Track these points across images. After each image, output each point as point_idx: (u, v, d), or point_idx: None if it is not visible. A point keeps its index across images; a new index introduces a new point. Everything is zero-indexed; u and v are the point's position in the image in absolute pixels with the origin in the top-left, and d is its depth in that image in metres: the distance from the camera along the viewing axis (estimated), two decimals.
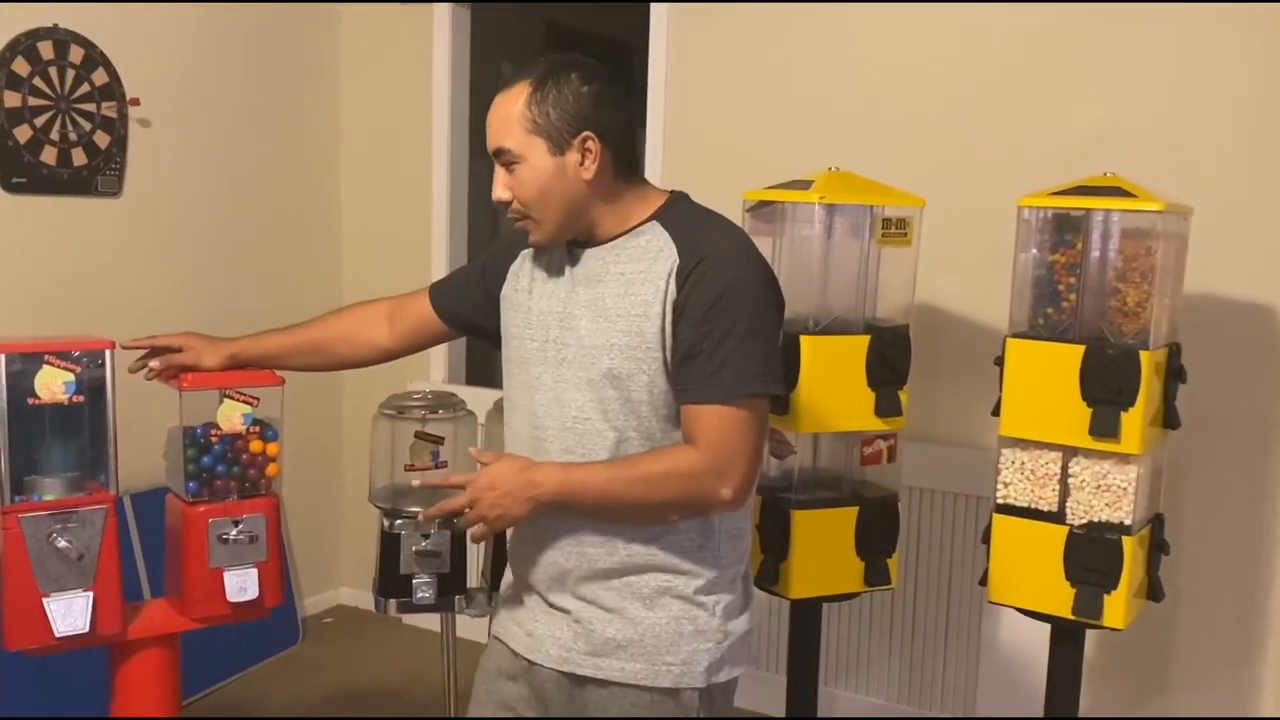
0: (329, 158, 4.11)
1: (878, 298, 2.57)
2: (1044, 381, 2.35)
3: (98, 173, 3.32)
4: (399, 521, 2.39)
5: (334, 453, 4.10)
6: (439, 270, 3.93)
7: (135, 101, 3.36)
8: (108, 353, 1.95)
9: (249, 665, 3.66)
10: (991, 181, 3.02)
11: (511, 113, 1.70)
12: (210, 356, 2.05)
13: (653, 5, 3.56)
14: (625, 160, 1.75)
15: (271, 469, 2.11)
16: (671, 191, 1.81)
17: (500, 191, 1.73)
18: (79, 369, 1.91)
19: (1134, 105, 2.92)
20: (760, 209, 2.60)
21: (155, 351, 2.06)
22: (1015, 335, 2.41)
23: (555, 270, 1.82)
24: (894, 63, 3.21)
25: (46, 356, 1.88)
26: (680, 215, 1.76)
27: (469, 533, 1.76)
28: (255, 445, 2.09)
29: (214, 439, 2.05)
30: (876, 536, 2.54)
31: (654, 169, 3.59)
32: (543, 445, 1.77)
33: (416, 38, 3.98)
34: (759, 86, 3.41)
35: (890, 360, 2.50)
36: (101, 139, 3.32)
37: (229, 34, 3.69)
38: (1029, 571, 2.40)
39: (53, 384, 1.89)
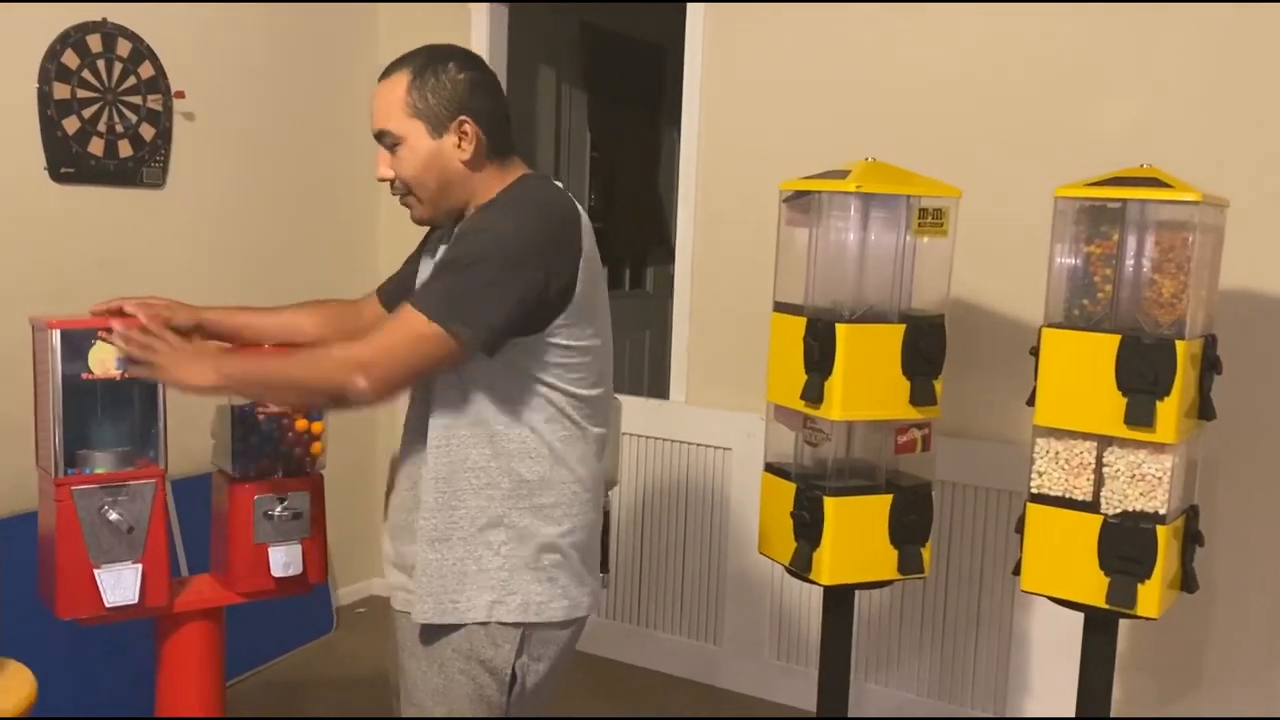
0: (367, 153, 4.15)
1: (913, 288, 2.58)
2: (1079, 371, 2.35)
3: (143, 164, 3.38)
4: None
5: (368, 438, 4.15)
6: None
7: (180, 94, 3.42)
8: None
9: (283, 652, 3.70)
10: (1026, 174, 3.03)
11: (393, 97, 1.82)
12: (182, 313, 2.05)
13: (689, 5, 3.60)
14: (497, 143, 1.85)
15: (316, 448, 2.15)
16: (526, 171, 1.90)
17: (383, 170, 1.86)
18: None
19: (1169, 99, 2.93)
20: (796, 199, 2.62)
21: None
22: (1051, 325, 2.42)
23: (433, 246, 1.96)
24: (928, 56, 3.23)
25: (99, 332, 1.92)
26: (509, 189, 1.84)
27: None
28: (300, 424, 2.13)
29: (260, 418, 2.10)
30: (910, 524, 2.55)
31: (688, 165, 3.63)
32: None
33: (454, 36, 4.02)
34: (793, 83, 3.44)
35: (925, 350, 2.51)
36: (147, 131, 3.38)
37: (270, 30, 3.75)
38: (1063, 561, 2.40)
39: (105, 359, 1.93)
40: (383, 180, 1.86)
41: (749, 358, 3.35)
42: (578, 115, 5.09)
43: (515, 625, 1.79)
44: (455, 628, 1.79)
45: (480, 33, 4.00)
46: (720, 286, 3.62)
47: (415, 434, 1.84)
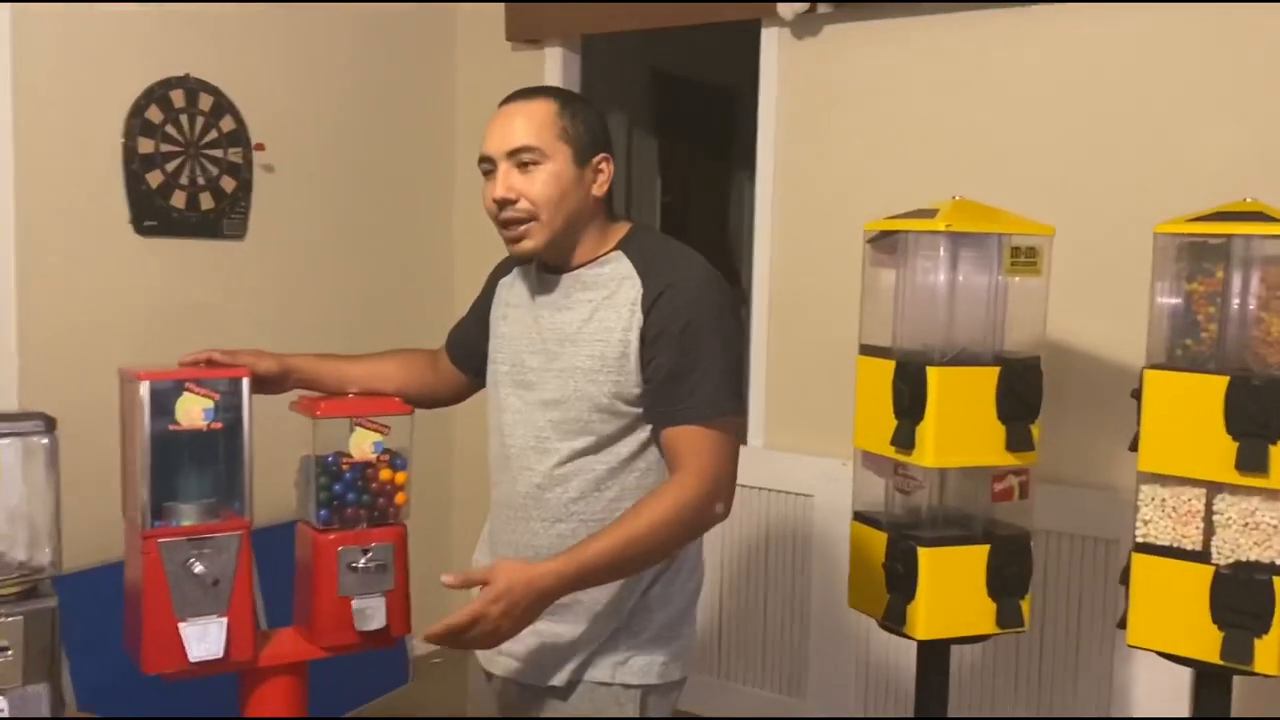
0: (444, 203, 4.18)
1: (1006, 329, 2.51)
2: (1186, 414, 2.26)
3: (224, 216, 3.42)
4: None
5: (444, 486, 4.13)
6: None
7: (260, 147, 3.46)
8: (244, 381, 1.97)
9: (361, 703, 3.67)
10: (1119, 210, 2.95)
11: (543, 117, 1.78)
12: (266, 361, 2.04)
13: (764, 30, 3.56)
14: (611, 194, 1.87)
15: (400, 498, 2.12)
16: (632, 222, 1.90)
17: (502, 190, 1.78)
18: (218, 395, 1.94)
19: (1270, 130, 2.83)
20: (881, 239, 2.56)
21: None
22: (1154, 367, 2.33)
23: (524, 297, 1.92)
24: (1012, 90, 3.16)
25: (187, 384, 1.91)
26: (641, 245, 1.84)
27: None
28: (385, 474, 2.09)
29: (345, 467, 2.07)
30: (1009, 576, 2.46)
31: (763, 203, 3.58)
32: (509, 464, 1.89)
33: (529, 80, 4.02)
34: (870, 119, 3.39)
35: (1021, 392, 2.43)
36: (228, 183, 3.42)
37: (347, 80, 3.79)
38: (1172, 614, 2.29)
39: (192, 410, 1.92)
40: (501, 200, 1.79)
41: (828, 400, 3.28)
42: (648, 160, 5.09)
43: (637, 687, 1.81)
44: (569, 689, 1.83)
45: (553, 76, 4.00)
46: (798, 328, 3.56)
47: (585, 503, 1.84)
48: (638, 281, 1.79)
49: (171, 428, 1.92)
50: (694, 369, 1.74)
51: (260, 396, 2.02)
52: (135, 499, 1.91)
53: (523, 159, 1.78)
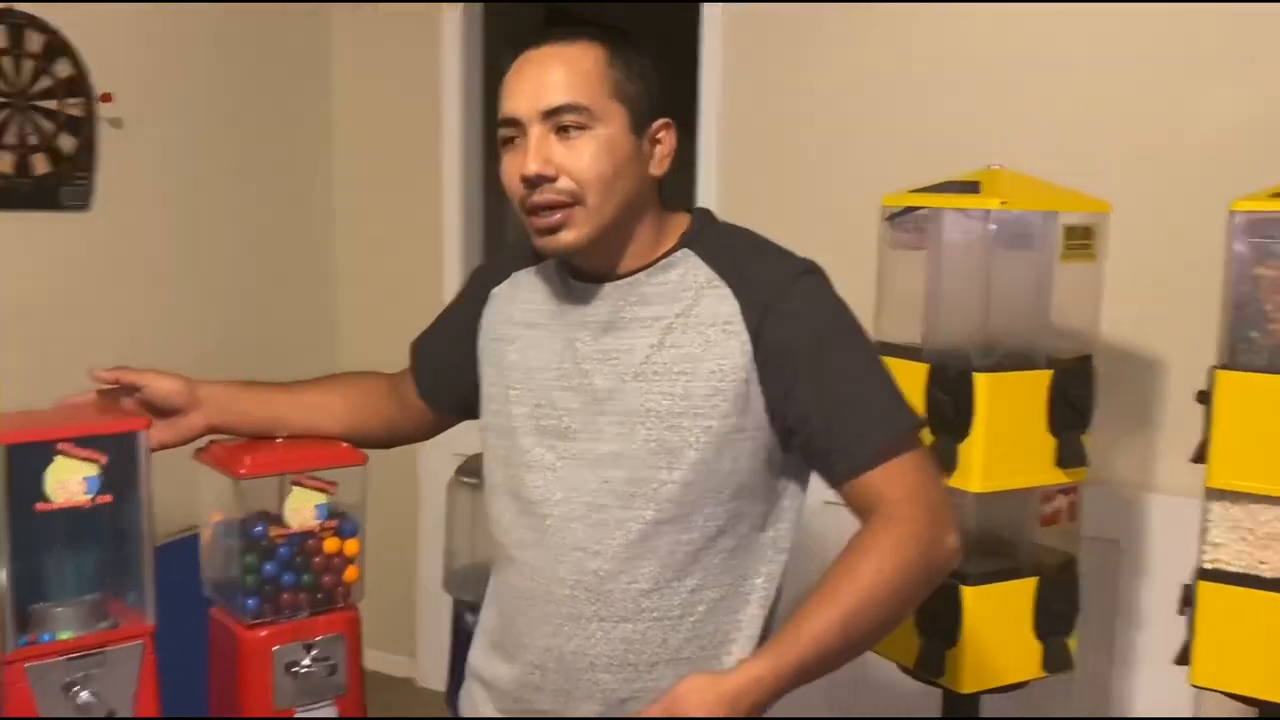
0: (322, 166, 3.60)
1: (1053, 324, 2.14)
2: (1266, 422, 1.94)
3: (63, 182, 2.78)
4: None
5: (406, 524, 3.57)
6: (450, 283, 3.42)
7: (107, 98, 2.83)
8: (141, 435, 1.44)
9: None
10: (1180, 184, 2.52)
11: (587, 66, 1.31)
12: (201, 413, 1.55)
13: (704, 5, 3.09)
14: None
15: (351, 573, 1.62)
16: (690, 209, 1.44)
17: (538, 164, 1.30)
18: (105, 458, 1.40)
19: None
20: (903, 218, 2.16)
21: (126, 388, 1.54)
22: (1227, 367, 2.00)
23: (543, 312, 1.43)
24: (1034, 36, 2.67)
25: (59, 445, 1.37)
26: (713, 239, 1.39)
27: None
28: (331, 544, 1.59)
29: (278, 539, 1.56)
30: (1056, 612, 2.12)
31: (707, 179, 3.12)
32: (544, 541, 1.38)
33: (421, 42, 3.49)
34: (826, 90, 2.93)
35: (1074, 399, 2.08)
36: (67, 143, 2.79)
37: (210, 25, 3.18)
38: (1246, 650, 1.99)
39: (69, 482, 1.38)
40: (536, 177, 1.30)
41: None
42: None
43: None
44: None
45: (452, 39, 3.46)
46: None
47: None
48: (726, 291, 1.35)
49: (40, 507, 1.37)
50: (857, 391, 1.34)
51: None
52: None
53: (564, 122, 1.30)
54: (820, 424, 1.32)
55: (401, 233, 3.58)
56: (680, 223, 1.42)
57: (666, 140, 1.38)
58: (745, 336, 1.32)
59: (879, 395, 1.34)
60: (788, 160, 2.99)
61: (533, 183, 1.30)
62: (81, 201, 2.84)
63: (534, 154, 1.30)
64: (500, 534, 1.46)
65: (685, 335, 1.34)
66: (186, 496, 1.64)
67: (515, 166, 1.33)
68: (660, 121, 1.38)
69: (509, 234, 3.89)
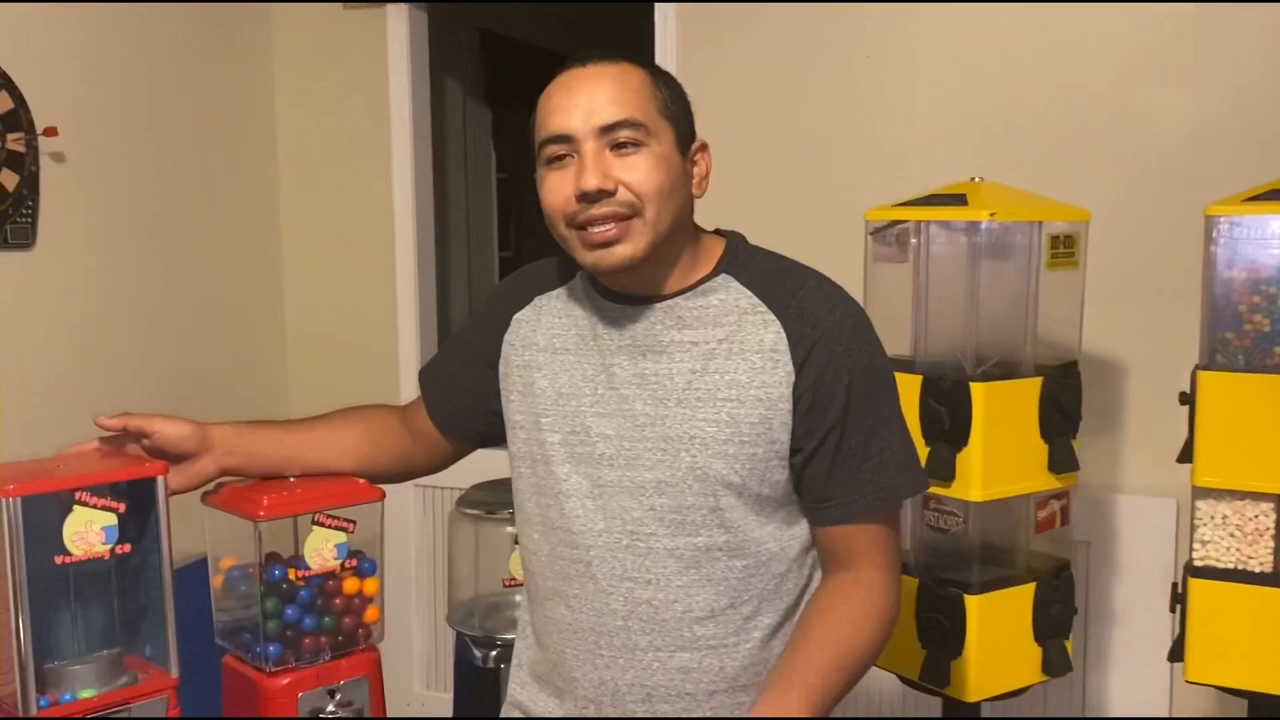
0: (269, 189, 3.49)
1: (1038, 332, 2.18)
2: (1248, 420, 1.99)
3: (5, 220, 2.66)
4: (495, 653, 1.86)
5: (401, 554, 3.43)
6: (404, 305, 3.31)
7: (51, 132, 2.71)
8: (160, 480, 1.38)
9: None
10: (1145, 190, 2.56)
11: (637, 85, 1.32)
12: (213, 456, 1.49)
13: (657, 5, 3.09)
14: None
15: (371, 613, 1.57)
16: (722, 231, 1.44)
17: (598, 178, 1.28)
18: (123, 506, 1.34)
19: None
20: (886, 231, 2.18)
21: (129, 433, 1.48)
22: (1206, 368, 2.05)
23: (574, 336, 1.41)
24: (999, 41, 2.68)
25: (78, 495, 1.30)
26: (752, 264, 1.38)
27: None
28: (350, 584, 1.54)
29: (298, 581, 1.50)
30: (1054, 616, 2.14)
31: None
32: (590, 571, 1.36)
33: (367, 45, 3.41)
34: (774, 95, 2.92)
35: (1063, 404, 2.11)
36: (8, 178, 2.66)
37: (151, 45, 3.06)
38: (1238, 644, 2.04)
39: (88, 532, 1.31)
40: (596, 192, 1.28)
41: None
42: (481, 133, 4.53)
43: None
44: None
45: (399, 42, 3.38)
46: None
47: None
48: (770, 318, 1.34)
49: (59, 560, 1.30)
50: (874, 450, 1.34)
51: None
52: (9, 671, 1.30)
53: (620, 138, 1.29)
54: (826, 469, 1.33)
55: (352, 259, 3.47)
56: (715, 245, 1.40)
57: (703, 161, 1.39)
58: (790, 368, 1.31)
59: (893, 460, 1.35)
60: (758, 170, 2.95)
61: (592, 198, 1.28)
62: (25, 240, 2.72)
63: (593, 169, 1.28)
64: (538, 565, 1.43)
65: (729, 361, 1.33)
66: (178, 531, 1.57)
67: (567, 183, 1.30)
68: (698, 143, 1.38)
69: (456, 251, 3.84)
